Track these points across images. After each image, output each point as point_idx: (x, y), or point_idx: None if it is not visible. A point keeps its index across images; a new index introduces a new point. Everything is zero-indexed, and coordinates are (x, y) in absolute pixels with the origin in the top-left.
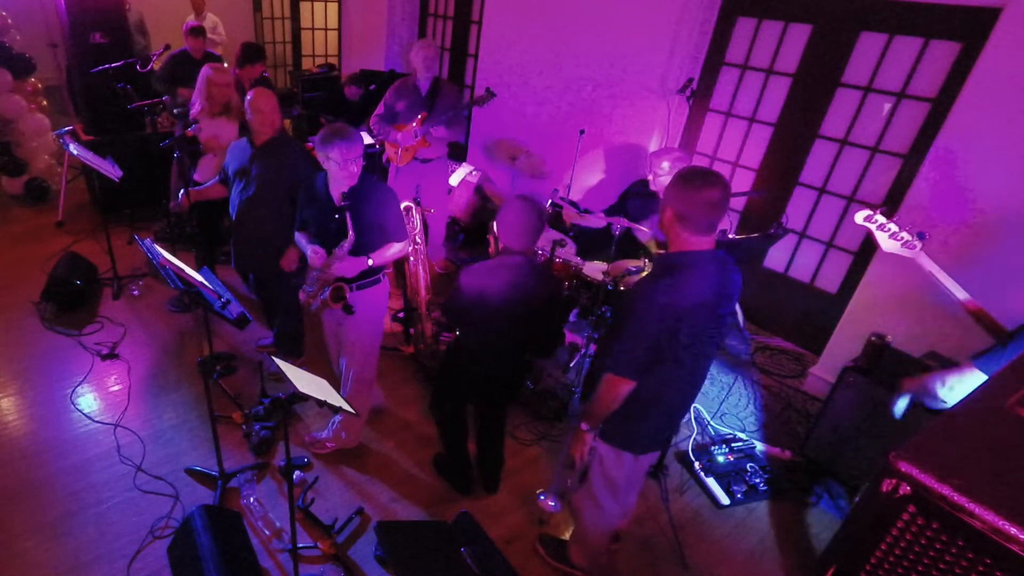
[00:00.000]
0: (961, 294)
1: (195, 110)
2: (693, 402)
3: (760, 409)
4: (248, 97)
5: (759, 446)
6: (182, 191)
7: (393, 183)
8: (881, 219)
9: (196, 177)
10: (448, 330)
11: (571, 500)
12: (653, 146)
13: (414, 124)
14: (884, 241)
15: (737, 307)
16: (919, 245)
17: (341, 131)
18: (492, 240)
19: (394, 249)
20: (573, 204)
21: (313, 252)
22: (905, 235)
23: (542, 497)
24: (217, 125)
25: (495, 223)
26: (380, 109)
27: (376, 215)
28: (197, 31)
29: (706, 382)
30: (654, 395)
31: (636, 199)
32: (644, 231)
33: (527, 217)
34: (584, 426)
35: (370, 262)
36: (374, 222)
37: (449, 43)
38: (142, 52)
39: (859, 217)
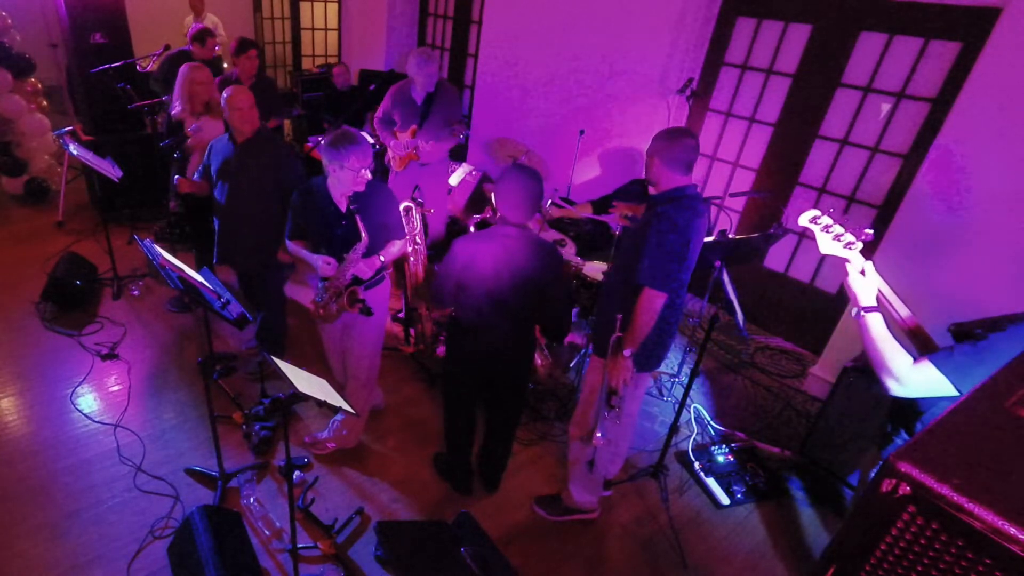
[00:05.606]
0: (868, 301)
1: (176, 111)
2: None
3: (760, 409)
4: (225, 95)
5: (759, 446)
6: (176, 176)
7: (392, 184)
8: (827, 220)
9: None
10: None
11: (571, 444)
12: None
13: (407, 135)
14: (825, 243)
15: (737, 308)
16: (859, 245)
17: (354, 138)
18: (490, 209)
19: (398, 246)
20: (571, 203)
21: (324, 263)
22: (849, 236)
23: (598, 435)
24: (200, 124)
25: (493, 193)
26: (380, 112)
27: (382, 215)
28: (203, 35)
29: (706, 381)
30: (663, 316)
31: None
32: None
33: (525, 188)
34: (627, 352)
35: (382, 259)
36: (380, 222)
37: (449, 43)
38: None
39: (803, 219)
